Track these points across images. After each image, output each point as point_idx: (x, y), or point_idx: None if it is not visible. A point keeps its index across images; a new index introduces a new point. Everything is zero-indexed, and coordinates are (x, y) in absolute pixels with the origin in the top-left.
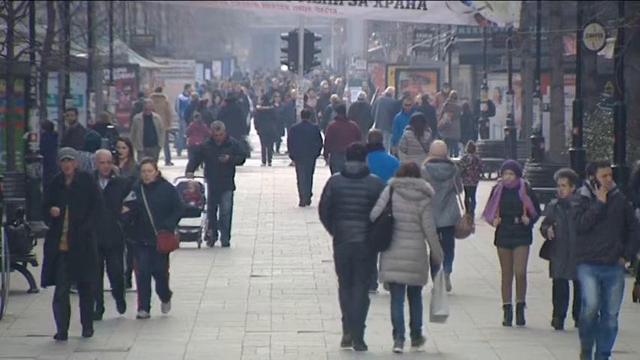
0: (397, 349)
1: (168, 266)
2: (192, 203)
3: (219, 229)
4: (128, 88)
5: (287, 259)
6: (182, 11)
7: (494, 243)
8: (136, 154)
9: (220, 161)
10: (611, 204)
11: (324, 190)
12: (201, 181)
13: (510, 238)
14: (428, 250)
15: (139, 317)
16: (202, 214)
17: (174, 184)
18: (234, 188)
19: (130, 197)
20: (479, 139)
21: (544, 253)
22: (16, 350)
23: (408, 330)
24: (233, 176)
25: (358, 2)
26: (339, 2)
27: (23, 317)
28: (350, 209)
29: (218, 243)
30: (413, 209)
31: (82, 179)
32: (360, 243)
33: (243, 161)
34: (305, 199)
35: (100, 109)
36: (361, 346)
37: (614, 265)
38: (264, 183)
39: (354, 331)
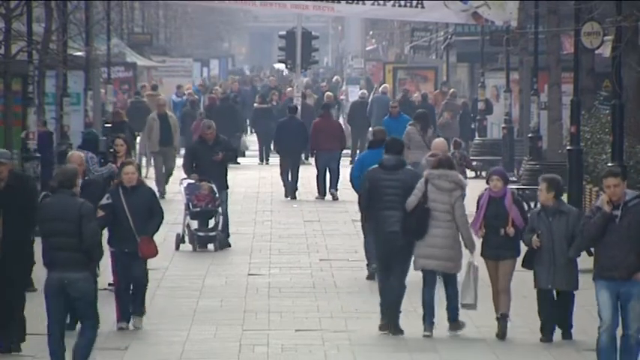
0: (427, 333)
1: (147, 274)
2: (208, 205)
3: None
4: (126, 86)
5: (285, 257)
6: (180, 10)
7: (481, 254)
8: (137, 161)
9: (213, 160)
10: (626, 215)
11: (363, 182)
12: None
13: (496, 249)
14: (460, 239)
15: (120, 329)
16: (219, 215)
17: (182, 186)
18: (227, 187)
19: (104, 200)
20: (476, 137)
21: (527, 262)
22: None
23: (440, 316)
24: (226, 175)
25: (356, 0)
26: (336, 0)
27: None
28: (387, 200)
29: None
30: (446, 200)
31: (17, 182)
32: (398, 232)
33: (236, 157)
34: (290, 192)
35: (97, 108)
36: (397, 330)
37: (629, 281)
38: (262, 182)
39: (390, 317)
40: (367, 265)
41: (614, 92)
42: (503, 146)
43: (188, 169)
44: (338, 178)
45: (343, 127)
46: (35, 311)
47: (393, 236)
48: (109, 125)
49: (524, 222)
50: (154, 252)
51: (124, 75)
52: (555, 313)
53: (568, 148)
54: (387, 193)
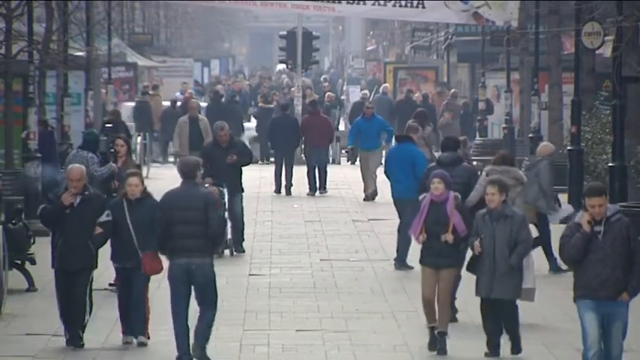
0: None
1: (147, 291)
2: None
3: (232, 236)
4: (126, 86)
5: (285, 257)
6: (180, 10)
7: (420, 261)
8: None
9: (227, 163)
10: (610, 231)
11: (424, 177)
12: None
13: (437, 257)
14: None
15: (126, 343)
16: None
17: None
18: (242, 190)
19: (104, 217)
20: (477, 137)
21: (471, 267)
22: (14, 349)
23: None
24: (240, 178)
25: (356, 1)
26: (337, 0)
27: (21, 316)
28: None
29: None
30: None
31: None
32: None
33: (251, 160)
34: (278, 187)
35: (98, 108)
36: (452, 317)
37: (614, 302)
38: (263, 181)
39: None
40: (397, 260)
41: (615, 92)
42: (504, 146)
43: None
44: (326, 177)
45: (344, 127)
46: (36, 311)
47: None
48: (110, 125)
49: (467, 229)
50: (159, 268)
51: (125, 75)
52: (500, 328)
53: (569, 148)
54: None
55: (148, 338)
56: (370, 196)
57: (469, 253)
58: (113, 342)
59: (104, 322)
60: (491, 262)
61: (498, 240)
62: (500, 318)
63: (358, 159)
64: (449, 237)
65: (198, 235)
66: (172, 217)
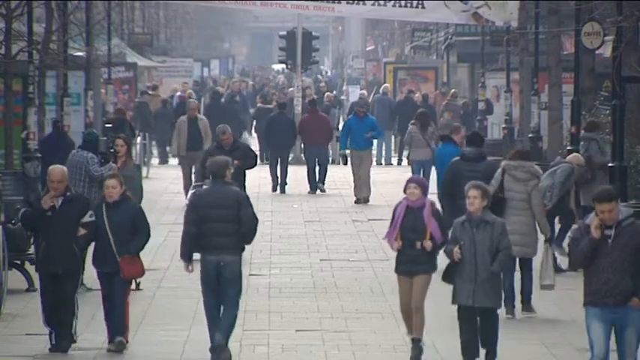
0: (508, 315)
1: (127, 296)
2: None
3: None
4: (126, 86)
5: (285, 257)
6: (180, 10)
7: (395, 270)
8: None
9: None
10: (621, 236)
11: (446, 173)
12: None
13: (411, 264)
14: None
15: (110, 350)
16: None
17: (192, 191)
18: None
19: (87, 218)
20: None
21: (447, 276)
22: (14, 349)
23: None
24: (244, 182)
25: (356, 1)
26: (337, 0)
27: (21, 316)
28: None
29: None
30: (522, 189)
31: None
32: None
33: (255, 163)
34: (274, 184)
35: (97, 108)
36: None
37: (625, 307)
38: (262, 182)
39: None
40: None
41: (615, 92)
42: (504, 146)
43: (202, 176)
44: (326, 172)
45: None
46: (36, 311)
47: None
48: (110, 125)
49: (442, 236)
50: (139, 272)
51: (125, 75)
52: (478, 335)
53: (568, 148)
54: (467, 182)
55: (127, 342)
56: (362, 200)
57: (444, 262)
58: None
59: (104, 322)
60: (472, 268)
61: (479, 246)
62: (478, 328)
63: (349, 159)
64: (427, 244)
65: (229, 233)
66: (204, 216)
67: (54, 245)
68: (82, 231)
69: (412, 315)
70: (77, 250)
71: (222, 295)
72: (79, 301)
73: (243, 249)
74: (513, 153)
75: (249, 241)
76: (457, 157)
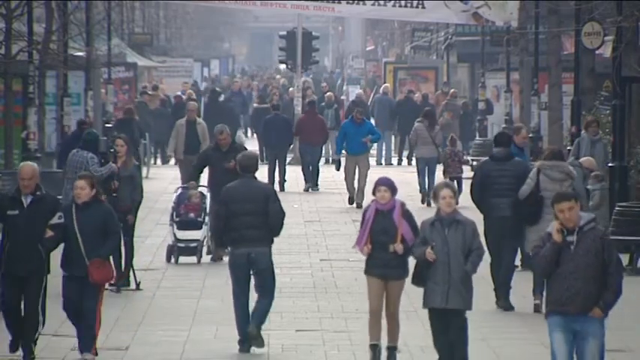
0: (537, 301)
1: (99, 302)
2: (191, 215)
3: None
4: (126, 86)
5: (285, 257)
6: (180, 10)
7: (365, 272)
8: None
9: (225, 168)
10: (583, 241)
11: (475, 175)
12: (204, 190)
13: (384, 268)
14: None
15: None
16: (204, 226)
17: (176, 194)
18: None
19: (56, 219)
20: (477, 137)
21: (418, 279)
22: None
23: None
24: None
25: (356, 1)
26: (337, 0)
27: None
28: (498, 188)
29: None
30: (557, 189)
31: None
32: (507, 217)
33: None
34: (271, 184)
35: (97, 108)
36: (507, 304)
37: (585, 317)
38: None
39: (501, 293)
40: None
41: (615, 92)
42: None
43: (191, 174)
44: (318, 173)
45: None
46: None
47: (503, 221)
48: (109, 125)
49: (415, 236)
50: (108, 276)
51: (125, 75)
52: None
53: (568, 148)
54: (497, 182)
55: (96, 354)
56: (357, 205)
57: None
58: (113, 342)
59: (104, 323)
60: (445, 269)
61: (452, 246)
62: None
63: (344, 163)
64: (398, 247)
65: (258, 226)
66: (234, 210)
67: (19, 245)
68: (49, 233)
69: (379, 321)
70: (43, 252)
71: (257, 286)
72: (47, 309)
73: (272, 241)
74: (548, 153)
75: (277, 233)
76: (485, 158)
